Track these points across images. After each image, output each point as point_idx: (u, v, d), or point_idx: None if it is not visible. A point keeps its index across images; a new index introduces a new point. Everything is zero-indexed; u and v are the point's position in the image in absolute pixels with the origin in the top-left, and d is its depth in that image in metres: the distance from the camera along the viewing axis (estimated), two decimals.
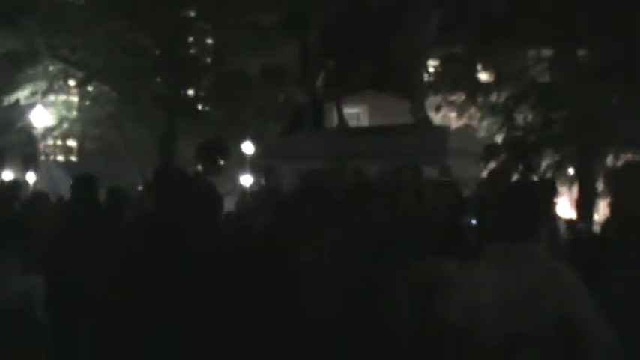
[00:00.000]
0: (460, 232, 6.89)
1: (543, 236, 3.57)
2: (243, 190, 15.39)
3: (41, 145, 27.72)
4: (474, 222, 7.30)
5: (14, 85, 25.03)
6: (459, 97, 24.85)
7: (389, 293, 3.59)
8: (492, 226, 3.69)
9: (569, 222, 11.68)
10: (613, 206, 4.20)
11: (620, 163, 17.89)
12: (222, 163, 7.07)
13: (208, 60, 27.22)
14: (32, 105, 25.08)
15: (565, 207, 22.13)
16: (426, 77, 20.17)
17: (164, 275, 4.37)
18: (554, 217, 6.19)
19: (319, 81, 13.07)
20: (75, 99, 28.01)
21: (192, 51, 26.90)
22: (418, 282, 3.62)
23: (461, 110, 25.19)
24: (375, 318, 3.58)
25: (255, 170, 22.58)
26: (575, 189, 23.11)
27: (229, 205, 12.81)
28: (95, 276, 4.87)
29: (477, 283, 3.43)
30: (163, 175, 5.71)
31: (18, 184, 7.94)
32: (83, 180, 6.72)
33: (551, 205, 6.42)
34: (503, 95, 23.88)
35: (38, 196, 7.26)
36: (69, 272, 5.22)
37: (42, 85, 25.46)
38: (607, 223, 4.70)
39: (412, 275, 3.67)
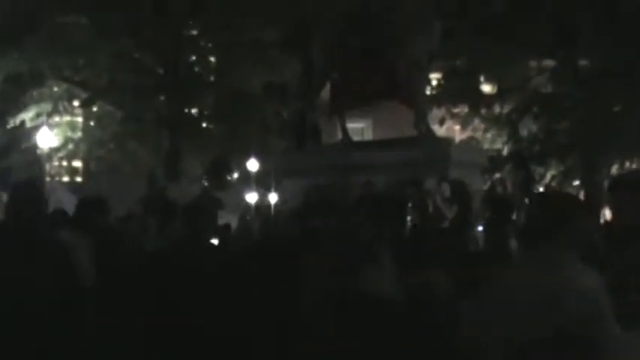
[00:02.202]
0: (465, 244, 6.90)
1: (568, 242, 3.46)
2: (247, 205, 15.44)
3: (47, 166, 27.76)
4: (480, 229, 7.28)
5: (19, 107, 25.11)
6: (463, 109, 24.90)
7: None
8: (518, 233, 3.67)
9: None
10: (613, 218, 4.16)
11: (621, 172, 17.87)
12: (228, 178, 7.08)
13: (211, 78, 27.27)
14: (37, 126, 25.13)
15: None
16: (429, 90, 20.25)
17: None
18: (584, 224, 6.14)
19: (321, 96, 13.10)
20: (79, 120, 28.09)
21: (195, 69, 26.96)
22: (415, 291, 3.63)
23: (465, 123, 25.22)
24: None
25: (260, 187, 22.58)
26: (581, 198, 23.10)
27: (234, 220, 12.87)
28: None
29: (492, 288, 3.40)
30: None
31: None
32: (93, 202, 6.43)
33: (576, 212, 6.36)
34: (507, 107, 23.92)
35: (57, 212, 7.10)
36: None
37: (47, 106, 25.56)
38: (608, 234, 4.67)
39: (410, 285, 3.68)
